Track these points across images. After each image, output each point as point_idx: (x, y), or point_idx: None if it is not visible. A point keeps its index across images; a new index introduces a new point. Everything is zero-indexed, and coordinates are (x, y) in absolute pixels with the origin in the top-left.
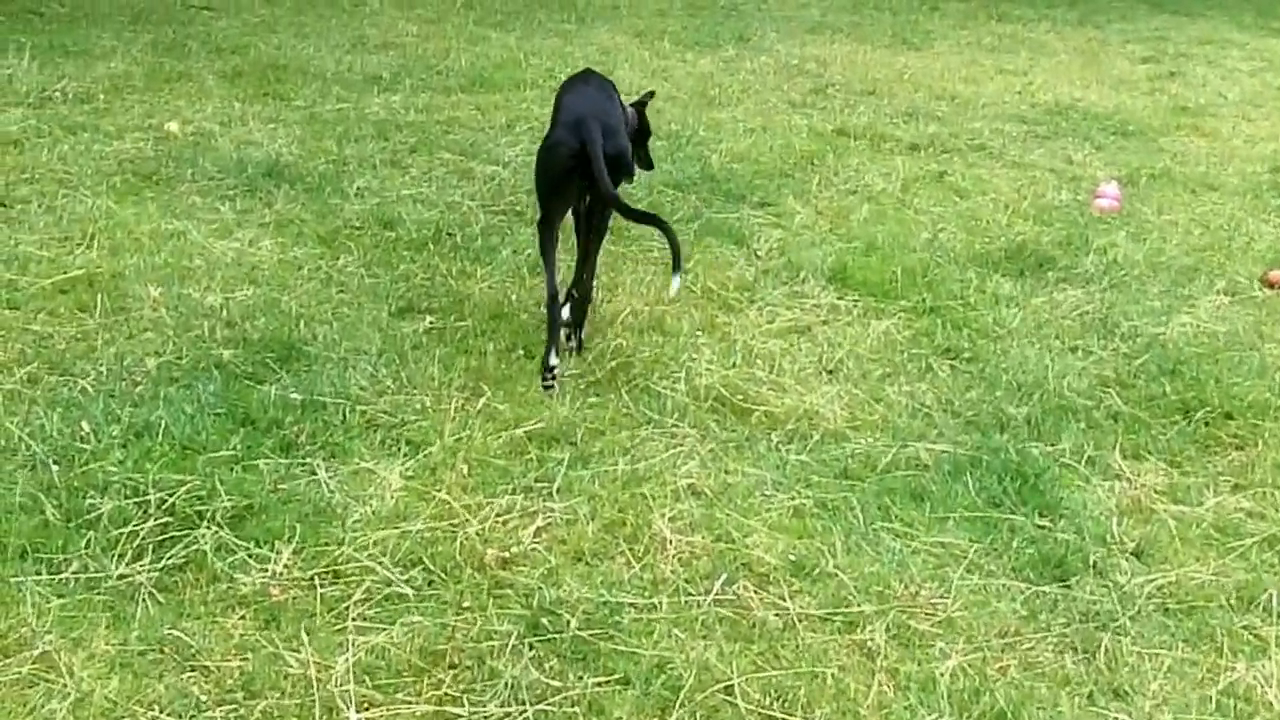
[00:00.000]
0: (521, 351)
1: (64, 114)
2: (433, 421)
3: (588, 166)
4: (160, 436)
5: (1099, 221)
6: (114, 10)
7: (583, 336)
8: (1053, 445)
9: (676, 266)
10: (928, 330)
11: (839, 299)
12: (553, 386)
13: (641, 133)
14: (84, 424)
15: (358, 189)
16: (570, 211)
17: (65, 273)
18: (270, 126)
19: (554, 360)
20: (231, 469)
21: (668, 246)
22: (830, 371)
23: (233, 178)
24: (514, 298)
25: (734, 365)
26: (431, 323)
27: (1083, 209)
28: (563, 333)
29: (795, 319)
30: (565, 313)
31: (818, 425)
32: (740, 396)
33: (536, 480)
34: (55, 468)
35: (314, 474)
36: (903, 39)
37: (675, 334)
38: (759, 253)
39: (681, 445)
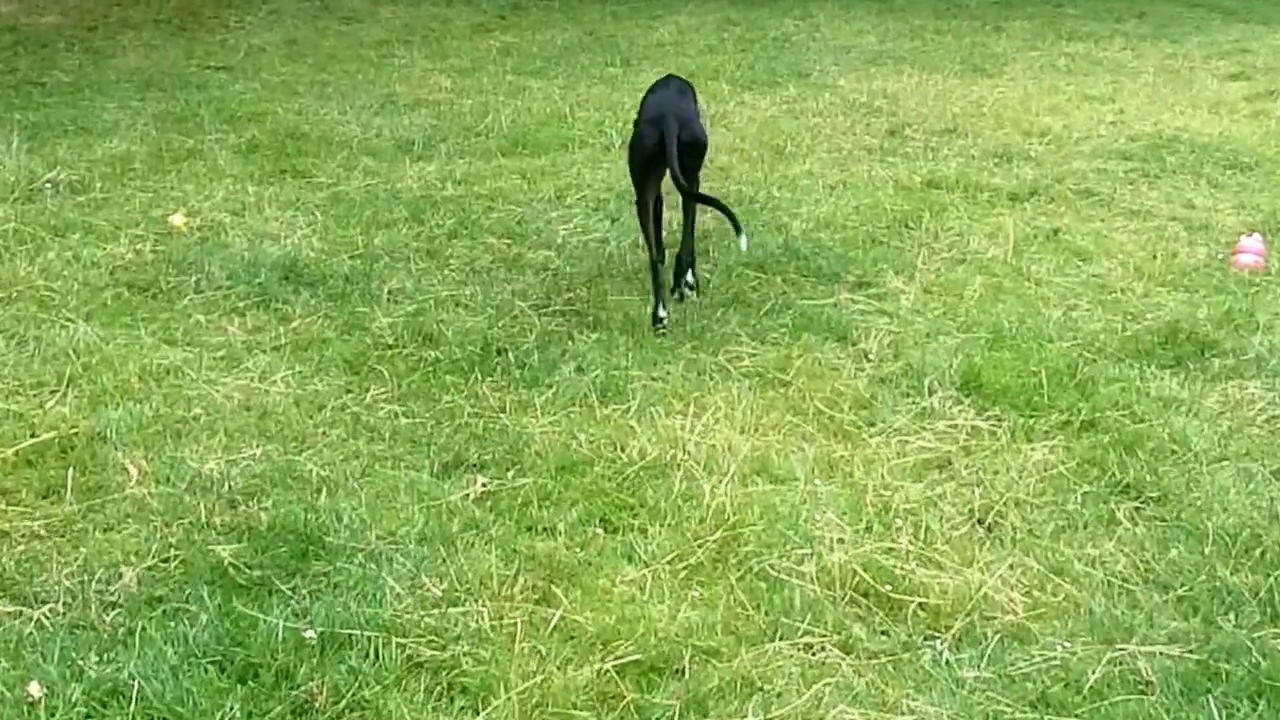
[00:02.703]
0: (600, 524)
1: (53, 210)
2: (494, 651)
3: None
4: (133, 703)
5: (1249, 285)
6: (121, 77)
7: (694, 279)
8: None
9: (738, 230)
10: (1094, 457)
11: (977, 416)
12: (665, 333)
13: None
14: (34, 685)
15: (390, 292)
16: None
17: (33, 435)
18: (289, 213)
19: (663, 312)
20: None
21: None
22: (989, 528)
23: (244, 284)
24: (583, 437)
25: (868, 529)
26: (485, 484)
27: (1225, 269)
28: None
29: (930, 449)
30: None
31: (991, 618)
32: (886, 580)
33: None
34: None
35: None
36: (973, 65)
37: (787, 480)
38: (869, 353)
39: (823, 666)
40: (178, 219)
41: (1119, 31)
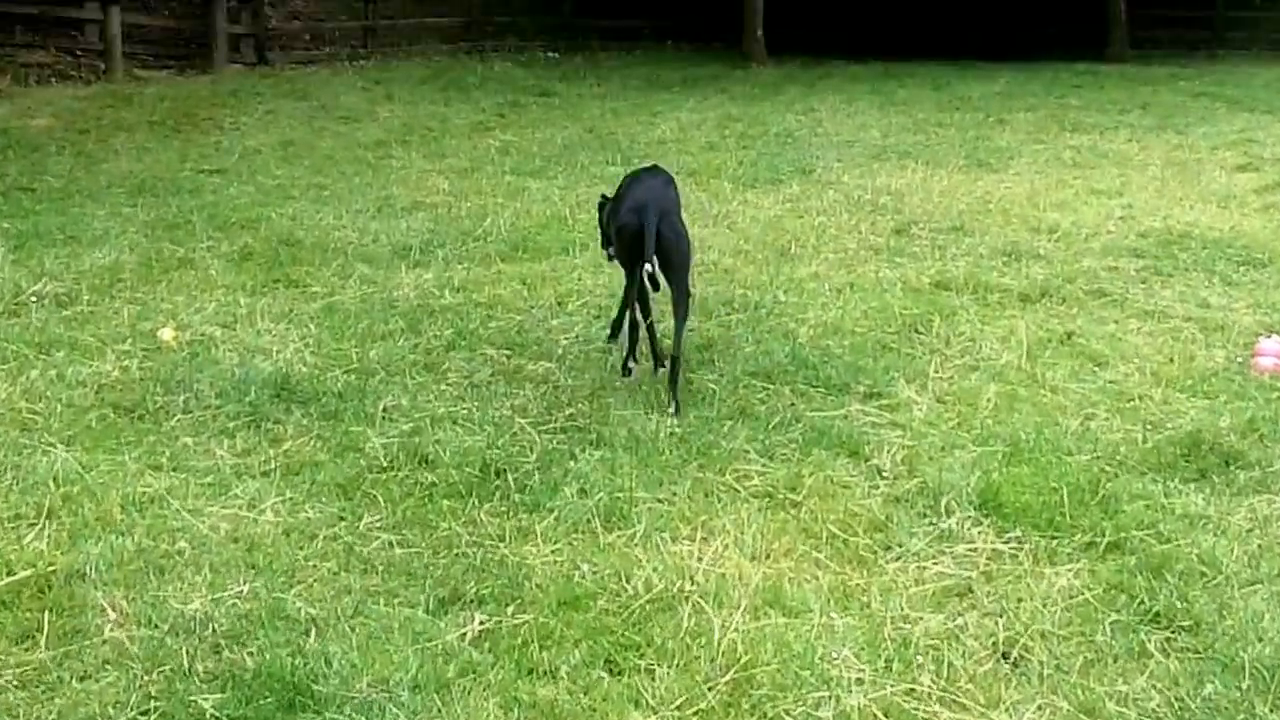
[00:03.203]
0: (604, 667)
1: (38, 325)
2: None
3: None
4: None
5: (1270, 390)
6: (113, 182)
7: (678, 398)
8: None
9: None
10: (1121, 582)
11: (997, 538)
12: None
13: None
14: None
15: (385, 410)
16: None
17: (10, 573)
18: (282, 325)
19: (631, 364)
20: None
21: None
22: (1014, 663)
23: (234, 403)
24: (586, 568)
25: (888, 666)
26: (483, 622)
27: (1245, 373)
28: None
29: (950, 574)
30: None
31: None
32: None
33: None
34: None
35: None
36: (977, 159)
37: (800, 612)
38: (882, 470)
39: None
40: (167, 333)
41: (1123, 123)
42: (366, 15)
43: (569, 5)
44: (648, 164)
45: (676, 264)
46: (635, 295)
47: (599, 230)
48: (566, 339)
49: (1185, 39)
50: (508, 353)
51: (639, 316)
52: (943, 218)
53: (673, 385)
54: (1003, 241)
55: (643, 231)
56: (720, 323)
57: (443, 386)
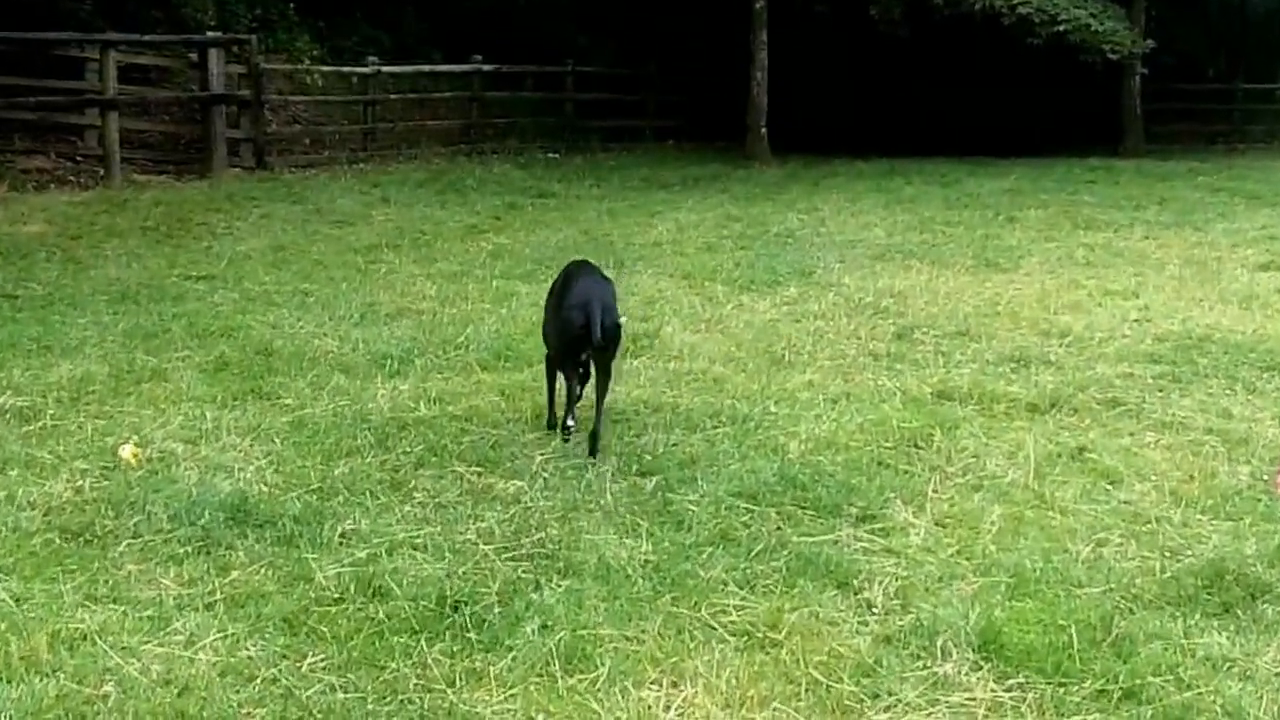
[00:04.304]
0: None
1: None
2: None
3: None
4: None
5: None
6: (97, 289)
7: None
8: None
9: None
10: None
11: (998, 685)
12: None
13: None
14: None
15: (342, 534)
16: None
17: None
18: (247, 441)
19: (570, 421)
20: None
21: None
22: None
23: (186, 527)
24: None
25: None
26: None
27: (1271, 492)
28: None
29: None
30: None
31: None
32: None
33: None
34: None
35: None
36: (985, 259)
37: None
38: (873, 605)
39: None
40: (126, 450)
41: (1139, 220)
42: (366, 119)
43: (570, 105)
44: (578, 259)
45: (613, 353)
46: (576, 384)
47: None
48: (542, 454)
49: (1203, 133)
50: (479, 470)
51: (554, 420)
52: (947, 321)
53: (593, 453)
54: (1011, 347)
55: (589, 326)
56: (705, 437)
57: (407, 508)
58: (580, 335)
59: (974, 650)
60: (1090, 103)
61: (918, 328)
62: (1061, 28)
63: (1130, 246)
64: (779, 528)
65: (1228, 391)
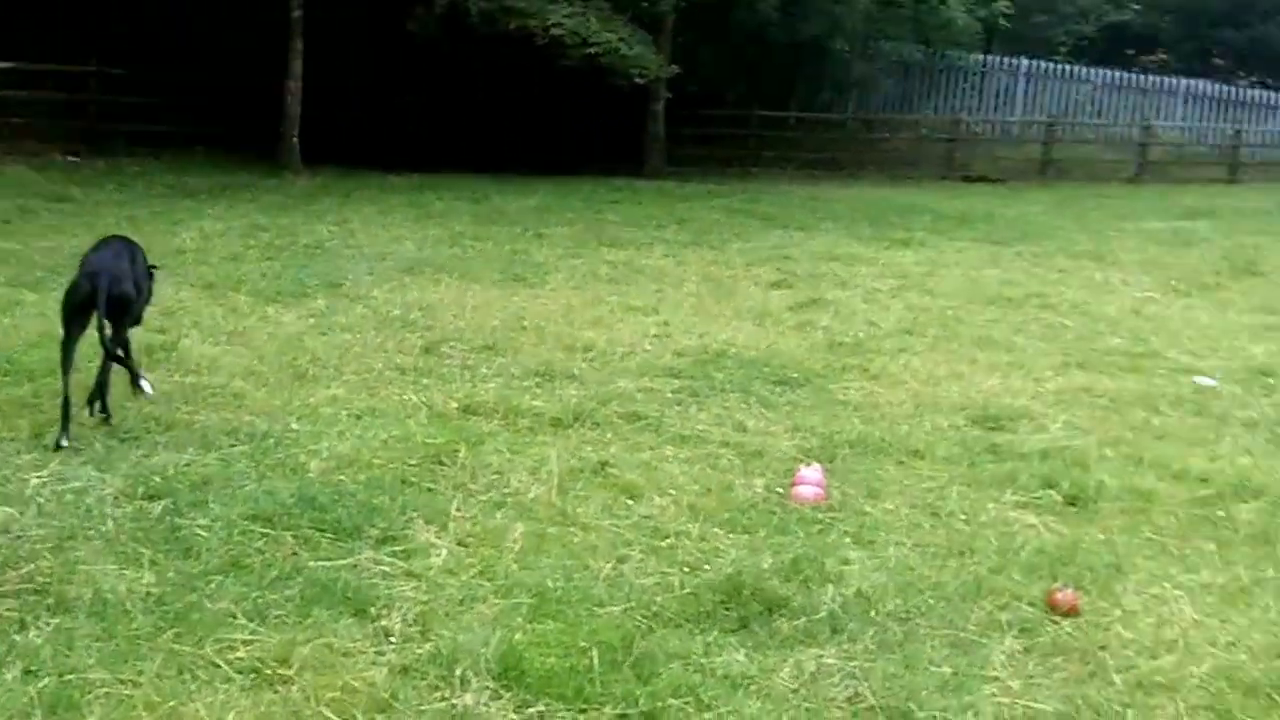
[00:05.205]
0: None
1: None
2: None
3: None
4: None
5: (811, 523)
6: None
7: (109, 407)
8: None
9: (135, 382)
10: None
11: (517, 714)
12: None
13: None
14: None
15: None
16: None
17: None
18: None
19: (65, 441)
20: None
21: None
22: None
23: None
24: None
25: None
26: None
27: (785, 504)
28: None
29: None
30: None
31: None
32: None
33: None
34: None
35: None
36: (513, 274)
37: None
38: (391, 633)
39: None
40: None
41: (660, 239)
42: None
43: (94, 108)
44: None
45: (125, 321)
46: (68, 363)
47: None
48: (39, 478)
49: (719, 156)
50: None
51: (69, 393)
52: (475, 335)
53: (90, 406)
54: (536, 361)
55: (93, 296)
56: (221, 456)
57: None
58: (84, 302)
59: (494, 678)
60: (617, 125)
61: (446, 341)
62: (593, 50)
63: (651, 264)
64: (295, 552)
65: (742, 405)
